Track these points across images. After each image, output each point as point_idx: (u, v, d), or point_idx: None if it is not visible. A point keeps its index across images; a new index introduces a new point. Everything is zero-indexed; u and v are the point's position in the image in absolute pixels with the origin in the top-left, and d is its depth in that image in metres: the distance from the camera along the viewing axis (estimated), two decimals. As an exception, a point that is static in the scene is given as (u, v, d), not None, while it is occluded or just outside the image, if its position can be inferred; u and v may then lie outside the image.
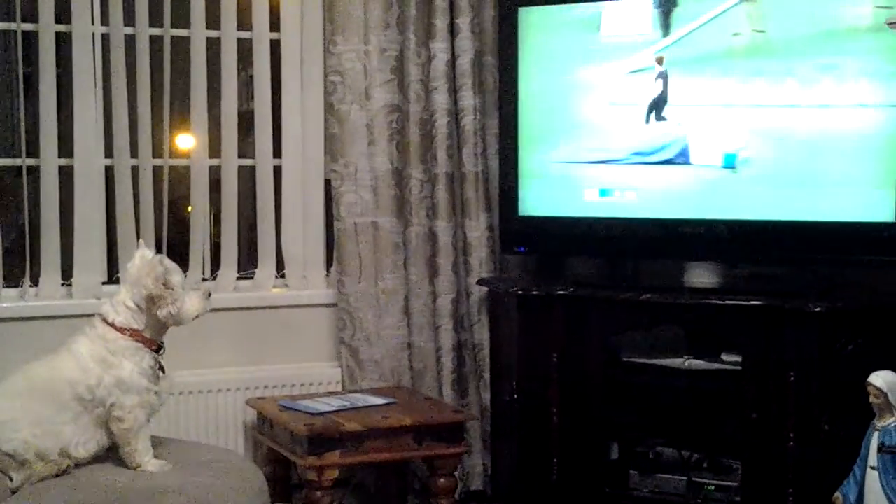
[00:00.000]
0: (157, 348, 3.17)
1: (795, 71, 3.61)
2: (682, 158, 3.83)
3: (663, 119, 3.83)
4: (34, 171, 3.93)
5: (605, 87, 3.92)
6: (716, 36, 3.74)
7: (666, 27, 3.82)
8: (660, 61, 3.83)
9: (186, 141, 4.37)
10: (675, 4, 3.79)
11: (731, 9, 3.71)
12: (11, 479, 2.96)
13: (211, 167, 4.16)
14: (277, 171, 4.24)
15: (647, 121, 3.85)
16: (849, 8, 3.54)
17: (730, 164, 3.76)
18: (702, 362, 3.76)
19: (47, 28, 3.87)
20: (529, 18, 4.02)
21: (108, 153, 4.01)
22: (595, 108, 3.94)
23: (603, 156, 3.93)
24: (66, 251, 3.95)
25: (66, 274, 3.96)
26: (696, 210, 3.80)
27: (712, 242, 3.77)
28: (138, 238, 3.86)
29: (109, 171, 4.02)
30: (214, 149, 4.16)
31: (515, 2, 4.03)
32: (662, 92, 3.83)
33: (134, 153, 4.01)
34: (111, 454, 3.12)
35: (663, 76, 3.82)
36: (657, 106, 3.85)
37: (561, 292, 3.85)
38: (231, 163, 4.17)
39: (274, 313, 4.20)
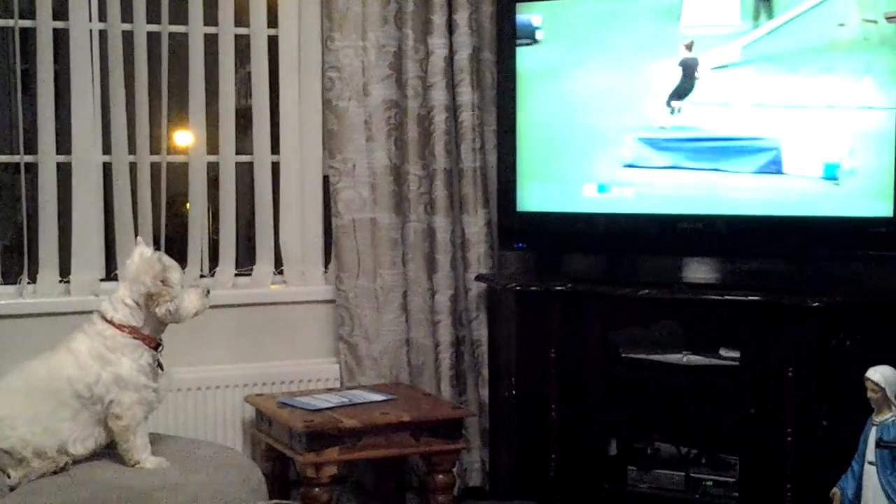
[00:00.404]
0: (156, 345, 3.17)
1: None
2: (773, 167, 3.58)
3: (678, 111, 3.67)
4: (32, 168, 3.93)
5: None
6: (816, 27, 3.38)
7: (756, 17, 3.52)
8: (689, 47, 3.63)
9: (184, 137, 4.36)
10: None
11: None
12: (9, 477, 2.97)
13: (209, 164, 4.16)
14: (275, 168, 4.24)
15: (671, 111, 3.65)
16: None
17: (831, 175, 3.48)
18: (700, 358, 3.76)
19: (45, 24, 3.86)
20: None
21: (106, 150, 4.00)
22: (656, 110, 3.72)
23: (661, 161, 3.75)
24: (64, 248, 3.95)
25: (64, 271, 3.95)
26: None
27: (710, 238, 3.76)
28: (136, 235, 3.85)
29: (107, 168, 4.02)
30: (212, 145, 4.15)
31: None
32: (684, 81, 3.63)
33: (132, 150, 4.00)
34: (109, 451, 3.13)
35: (689, 64, 3.64)
36: (679, 95, 3.69)
37: (559, 288, 3.85)
38: (229, 159, 4.16)
39: (272, 310, 4.20)
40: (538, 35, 3.99)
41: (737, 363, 3.64)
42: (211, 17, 4.08)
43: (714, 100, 3.67)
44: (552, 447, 3.85)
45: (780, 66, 3.53)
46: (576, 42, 3.92)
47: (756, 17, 3.57)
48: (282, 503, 2.28)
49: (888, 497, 3.01)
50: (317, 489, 3.53)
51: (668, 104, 3.74)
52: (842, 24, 3.41)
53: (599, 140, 3.91)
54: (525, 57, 4.02)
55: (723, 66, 3.64)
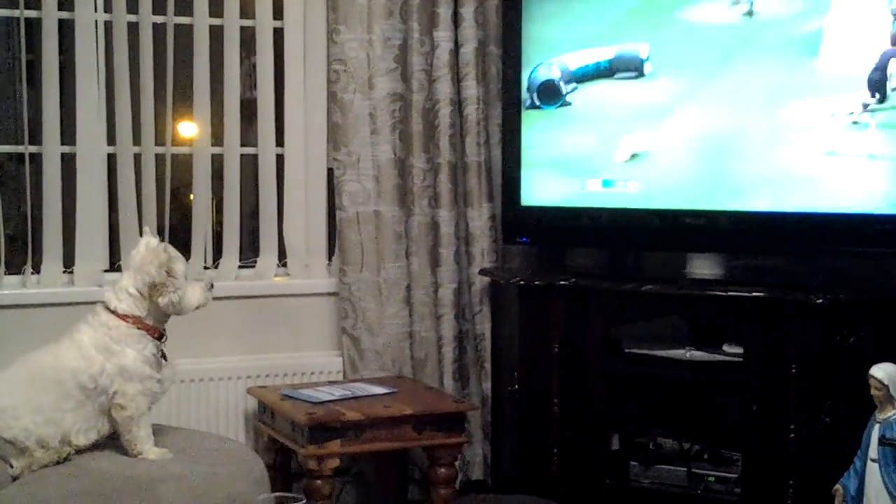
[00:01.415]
0: (160, 336, 3.17)
1: None
2: None
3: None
4: (36, 159, 3.93)
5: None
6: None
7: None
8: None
9: (189, 129, 4.37)
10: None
11: None
12: (12, 467, 2.97)
13: (213, 155, 4.15)
14: (280, 160, 4.24)
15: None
16: None
17: None
18: (703, 353, 3.76)
19: (50, 15, 3.86)
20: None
21: (111, 141, 4.00)
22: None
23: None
24: (68, 239, 3.95)
25: (68, 261, 3.96)
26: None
27: (714, 233, 3.76)
28: (140, 226, 3.85)
29: (112, 159, 4.02)
30: (217, 137, 4.15)
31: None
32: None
33: (136, 141, 4.00)
34: (112, 442, 3.13)
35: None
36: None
37: (563, 283, 3.84)
38: (233, 151, 4.16)
39: (275, 302, 4.20)
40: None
41: (740, 359, 3.64)
42: (216, 9, 4.08)
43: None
44: (554, 441, 3.85)
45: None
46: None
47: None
48: (284, 495, 2.27)
49: (891, 494, 3.01)
50: (319, 481, 3.53)
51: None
52: None
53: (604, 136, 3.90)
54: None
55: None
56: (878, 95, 3.20)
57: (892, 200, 3.33)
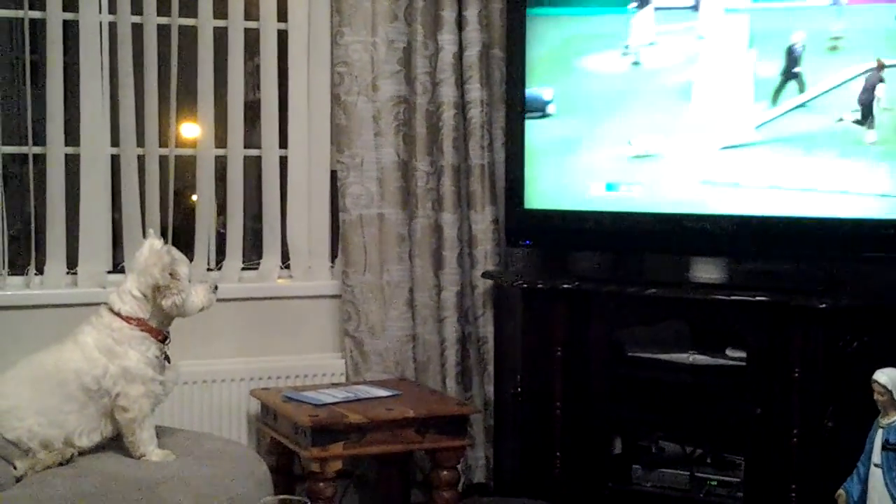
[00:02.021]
0: (163, 338, 3.17)
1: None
2: None
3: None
4: (40, 160, 3.93)
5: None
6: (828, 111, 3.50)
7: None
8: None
9: (193, 130, 4.36)
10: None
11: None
12: (15, 468, 2.96)
13: (217, 157, 4.15)
14: (283, 162, 4.24)
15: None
16: None
17: None
18: (706, 357, 3.76)
19: (55, 16, 3.86)
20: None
21: (115, 142, 4.00)
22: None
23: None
24: (72, 240, 3.95)
25: (72, 263, 3.96)
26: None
27: (717, 237, 3.76)
28: (144, 227, 3.86)
29: (115, 160, 4.02)
30: (220, 139, 4.15)
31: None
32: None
33: (140, 142, 4.00)
34: (115, 443, 3.13)
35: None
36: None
37: (566, 286, 3.84)
38: (237, 153, 4.16)
39: (279, 304, 4.21)
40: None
41: (743, 363, 3.64)
42: (220, 11, 4.08)
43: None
44: (557, 445, 3.85)
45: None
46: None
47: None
48: (287, 498, 2.27)
49: (894, 500, 3.00)
50: (321, 484, 3.53)
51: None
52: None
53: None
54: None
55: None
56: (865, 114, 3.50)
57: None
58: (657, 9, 3.79)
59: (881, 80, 3.45)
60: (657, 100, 3.82)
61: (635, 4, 3.81)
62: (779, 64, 3.59)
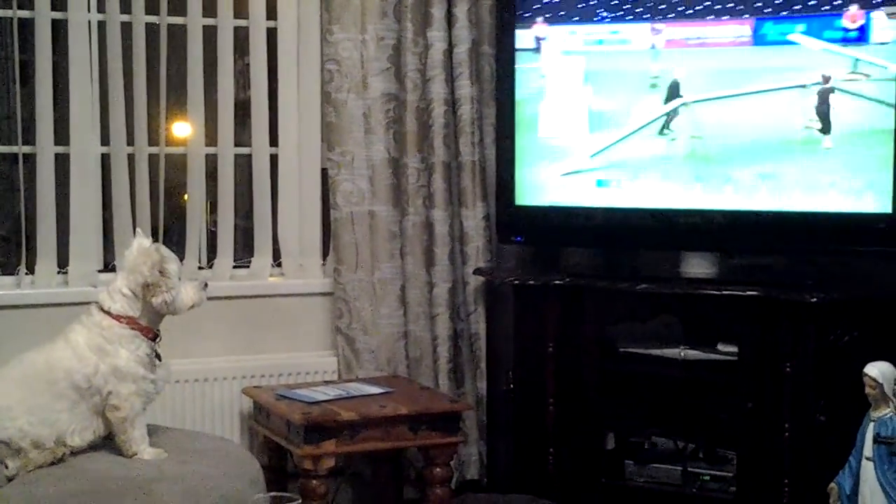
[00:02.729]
0: (154, 336, 3.16)
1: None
2: None
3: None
4: (30, 159, 3.92)
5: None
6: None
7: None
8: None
9: (183, 129, 4.36)
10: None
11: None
12: (7, 467, 2.96)
13: (207, 155, 4.14)
14: (274, 160, 4.23)
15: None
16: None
17: None
18: (698, 352, 3.76)
19: (44, 15, 3.85)
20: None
21: (105, 141, 3.99)
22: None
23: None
24: (62, 239, 3.94)
25: (62, 262, 3.95)
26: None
27: (709, 233, 3.76)
28: (134, 226, 3.85)
29: (105, 159, 4.01)
30: (211, 137, 4.14)
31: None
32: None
33: (130, 141, 3.99)
34: (107, 442, 3.12)
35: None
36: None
37: (557, 282, 3.85)
38: (227, 151, 4.15)
39: (270, 302, 4.20)
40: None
41: (735, 358, 3.65)
42: (210, 9, 4.07)
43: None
44: (550, 441, 3.86)
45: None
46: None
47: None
48: (280, 495, 2.27)
49: (885, 493, 3.02)
50: (314, 481, 3.53)
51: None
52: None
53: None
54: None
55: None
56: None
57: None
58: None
59: (832, 91, 3.56)
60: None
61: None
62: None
